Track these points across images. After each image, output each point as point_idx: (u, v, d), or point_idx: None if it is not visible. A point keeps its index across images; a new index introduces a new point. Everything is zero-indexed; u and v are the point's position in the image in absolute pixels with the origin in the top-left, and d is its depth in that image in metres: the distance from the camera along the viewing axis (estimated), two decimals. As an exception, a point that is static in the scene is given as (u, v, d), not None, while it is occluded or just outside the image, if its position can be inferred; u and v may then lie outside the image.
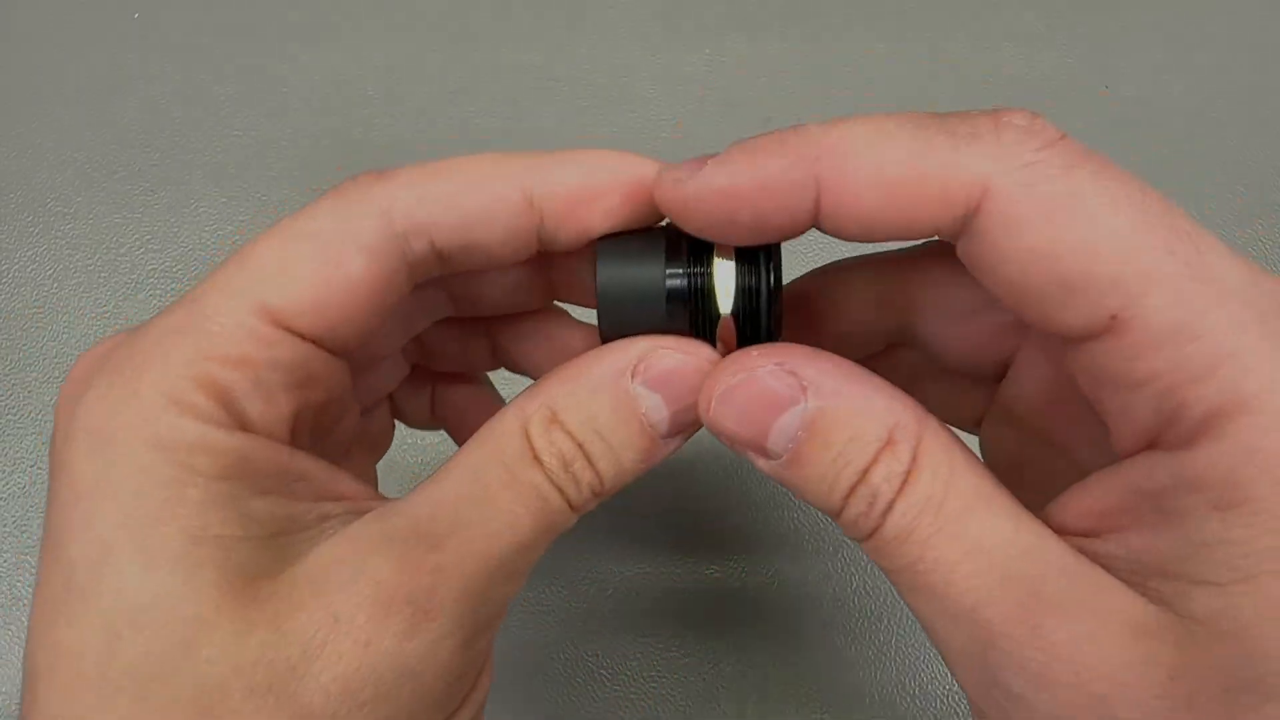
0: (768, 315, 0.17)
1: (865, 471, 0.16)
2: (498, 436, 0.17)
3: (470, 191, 0.17)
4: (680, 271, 0.17)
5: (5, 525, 0.35)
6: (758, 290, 0.17)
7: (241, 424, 0.16)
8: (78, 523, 0.14)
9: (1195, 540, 0.14)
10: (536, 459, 0.16)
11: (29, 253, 0.39)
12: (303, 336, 0.16)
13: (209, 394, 0.15)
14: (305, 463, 0.17)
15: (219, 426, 0.15)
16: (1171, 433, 0.14)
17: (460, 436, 0.25)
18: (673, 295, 0.17)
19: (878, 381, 0.17)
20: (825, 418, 0.16)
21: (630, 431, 0.17)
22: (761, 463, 0.17)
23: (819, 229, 0.16)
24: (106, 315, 0.37)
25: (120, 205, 0.39)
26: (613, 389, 0.17)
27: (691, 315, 0.18)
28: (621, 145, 0.39)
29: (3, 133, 0.41)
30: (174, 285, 0.38)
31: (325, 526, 0.16)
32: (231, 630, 0.14)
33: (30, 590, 0.34)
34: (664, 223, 0.18)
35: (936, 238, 0.16)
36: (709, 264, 0.17)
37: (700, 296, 0.17)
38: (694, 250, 0.18)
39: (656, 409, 0.17)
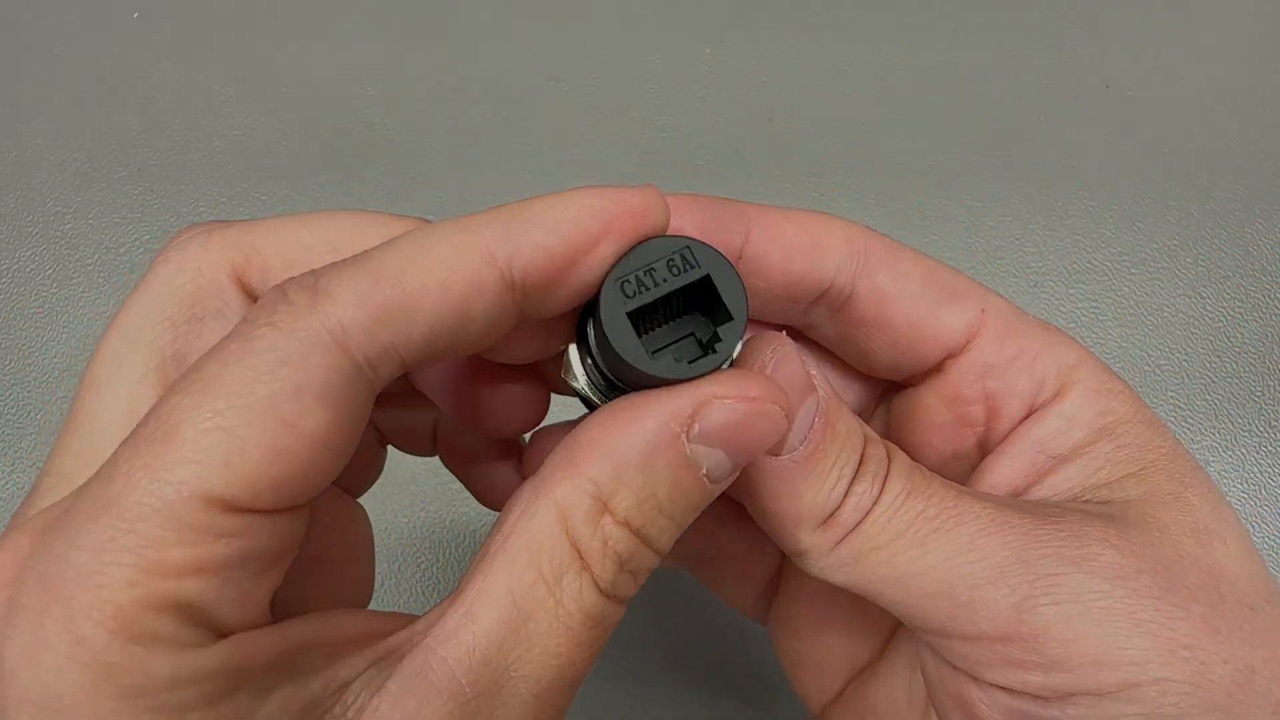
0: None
1: (863, 458, 0.17)
2: (535, 544, 0.14)
3: (436, 292, 0.13)
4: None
5: (5, 525, 0.35)
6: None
7: (218, 632, 0.13)
8: None
9: (1091, 464, 0.18)
10: (586, 566, 0.14)
11: (29, 253, 0.39)
12: (263, 512, 0.13)
13: (170, 615, 0.12)
14: (299, 630, 0.14)
15: (193, 648, 0.12)
16: (1038, 402, 0.20)
17: (453, 463, 0.22)
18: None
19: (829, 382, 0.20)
20: (833, 407, 0.17)
21: (693, 498, 0.15)
22: (772, 464, 0.16)
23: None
24: (106, 315, 0.37)
25: (120, 205, 0.39)
26: (669, 457, 0.14)
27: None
28: (621, 146, 0.39)
29: (3, 133, 0.41)
30: (174, 285, 0.38)
31: (347, 697, 0.13)
32: None
33: (30, 590, 0.34)
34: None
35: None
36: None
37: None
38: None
39: (720, 465, 0.15)
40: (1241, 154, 0.40)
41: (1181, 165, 0.39)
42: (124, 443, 0.12)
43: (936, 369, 0.20)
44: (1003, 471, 0.19)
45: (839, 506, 0.17)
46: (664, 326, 0.15)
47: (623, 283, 0.14)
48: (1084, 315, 0.38)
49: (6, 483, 0.35)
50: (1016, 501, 0.17)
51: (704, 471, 0.14)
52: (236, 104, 0.41)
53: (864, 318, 0.19)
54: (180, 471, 0.12)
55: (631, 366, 0.14)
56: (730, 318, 0.15)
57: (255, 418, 0.12)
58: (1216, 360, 0.37)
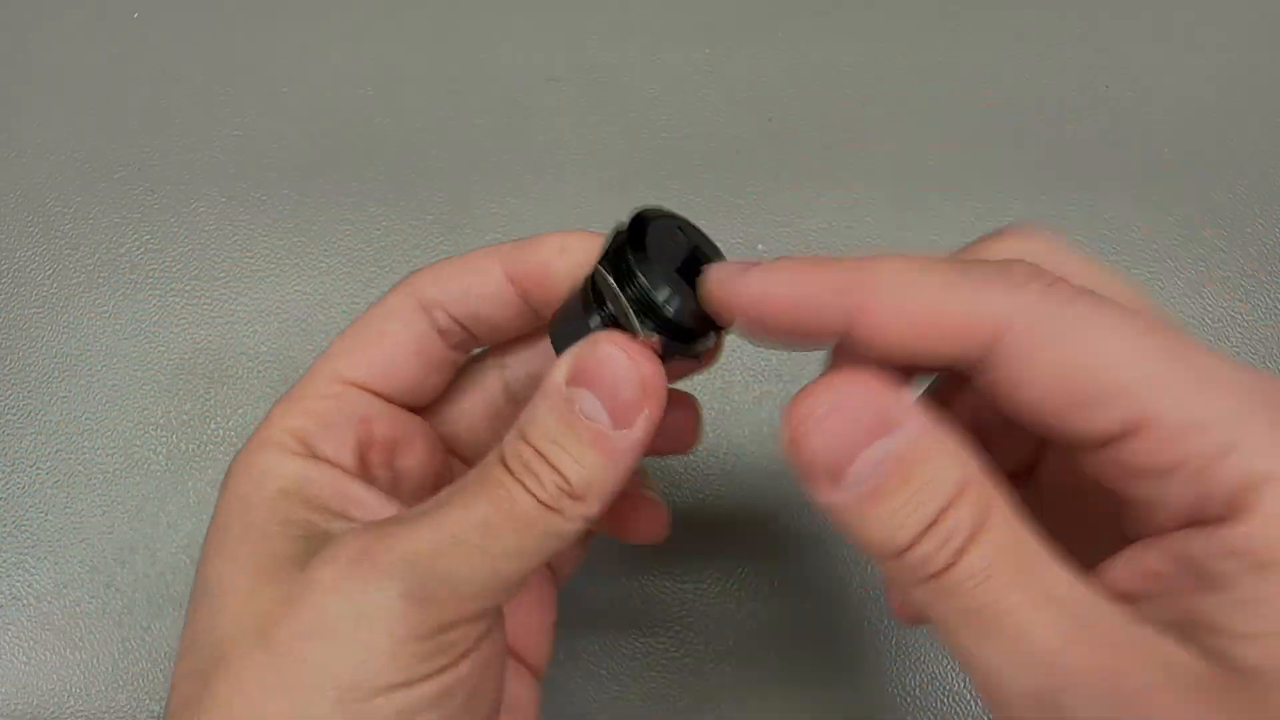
0: (669, 318, 0.19)
1: (941, 512, 0.17)
2: (485, 464, 0.19)
3: (464, 274, 0.22)
4: (599, 316, 0.20)
5: (5, 525, 0.35)
6: (647, 302, 0.19)
7: (314, 454, 0.21)
8: (210, 548, 0.20)
9: (1238, 599, 0.15)
10: (506, 466, 0.19)
11: (29, 253, 0.39)
12: (365, 388, 0.22)
13: (291, 434, 0.21)
14: (360, 490, 0.21)
15: (291, 455, 0.21)
16: (1203, 511, 0.16)
17: None
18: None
19: (955, 426, 0.18)
20: (914, 453, 0.17)
21: (577, 434, 0.18)
22: (827, 494, 0.17)
23: (847, 345, 0.18)
24: (106, 315, 0.37)
25: (120, 205, 0.39)
26: (554, 397, 0.19)
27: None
28: (621, 146, 0.39)
29: (3, 133, 0.41)
30: (174, 285, 0.38)
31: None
32: (256, 593, 0.19)
33: (27, 589, 0.34)
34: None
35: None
36: (606, 300, 0.20)
37: (621, 327, 0.19)
38: (595, 292, 0.20)
39: (593, 406, 0.18)
40: (1241, 154, 0.40)
41: (1181, 165, 0.39)
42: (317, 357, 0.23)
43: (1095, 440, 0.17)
44: (1124, 570, 0.17)
45: (909, 548, 0.17)
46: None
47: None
48: (1084, 315, 0.38)
49: (7, 483, 0.35)
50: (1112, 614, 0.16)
51: (579, 408, 0.18)
52: (237, 104, 0.41)
53: (1014, 396, 0.17)
54: (326, 362, 0.23)
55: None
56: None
57: (363, 329, 0.23)
58: (1216, 360, 0.37)
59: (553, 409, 0.18)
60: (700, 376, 0.37)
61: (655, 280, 0.19)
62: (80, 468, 0.35)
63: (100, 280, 0.38)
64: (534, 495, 0.18)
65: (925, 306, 0.17)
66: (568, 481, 0.18)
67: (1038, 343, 0.16)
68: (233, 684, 0.18)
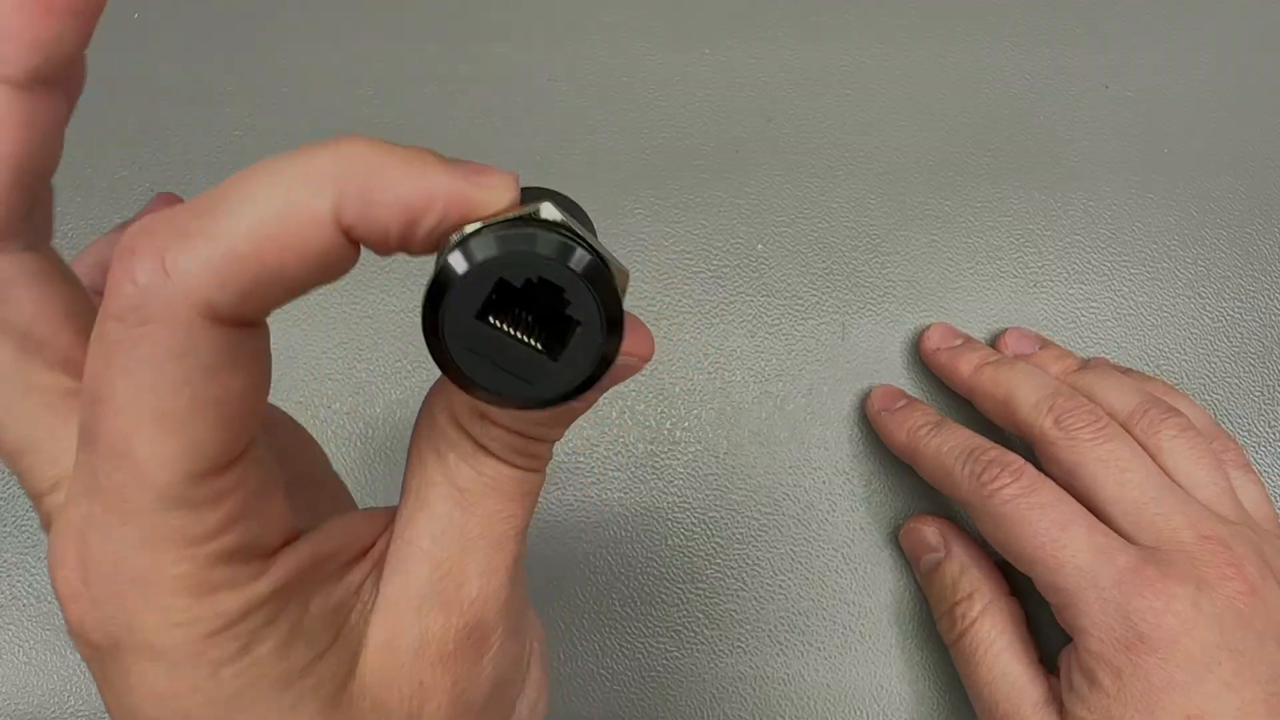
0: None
1: (952, 606, 0.32)
2: (446, 441, 0.17)
3: (292, 263, 0.13)
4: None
5: (5, 525, 0.35)
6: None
7: (264, 557, 0.15)
8: (172, 716, 0.15)
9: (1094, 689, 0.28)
10: (494, 455, 0.17)
11: (29, 253, 0.39)
12: (240, 457, 0.15)
13: (227, 564, 0.14)
14: (322, 543, 0.16)
15: (251, 581, 0.15)
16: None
17: None
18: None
19: (978, 551, 0.33)
20: (939, 568, 0.33)
21: (558, 412, 0.17)
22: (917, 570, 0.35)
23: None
24: (106, 315, 0.37)
25: (121, 205, 0.39)
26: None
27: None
28: (621, 146, 0.39)
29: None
30: (174, 285, 0.38)
31: (363, 594, 0.17)
32: None
33: (27, 589, 0.34)
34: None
35: None
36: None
37: None
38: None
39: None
40: (1241, 154, 0.40)
41: (1181, 165, 0.39)
42: (90, 462, 0.14)
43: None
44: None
45: (939, 619, 0.33)
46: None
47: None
48: (1084, 315, 0.38)
49: (7, 483, 0.35)
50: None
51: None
52: (237, 104, 0.41)
53: None
54: (158, 475, 0.13)
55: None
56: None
57: (188, 412, 0.13)
58: (1216, 360, 0.37)
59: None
60: (701, 376, 0.37)
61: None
62: (80, 468, 0.35)
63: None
64: (537, 470, 0.18)
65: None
66: (549, 444, 0.18)
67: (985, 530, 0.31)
68: None
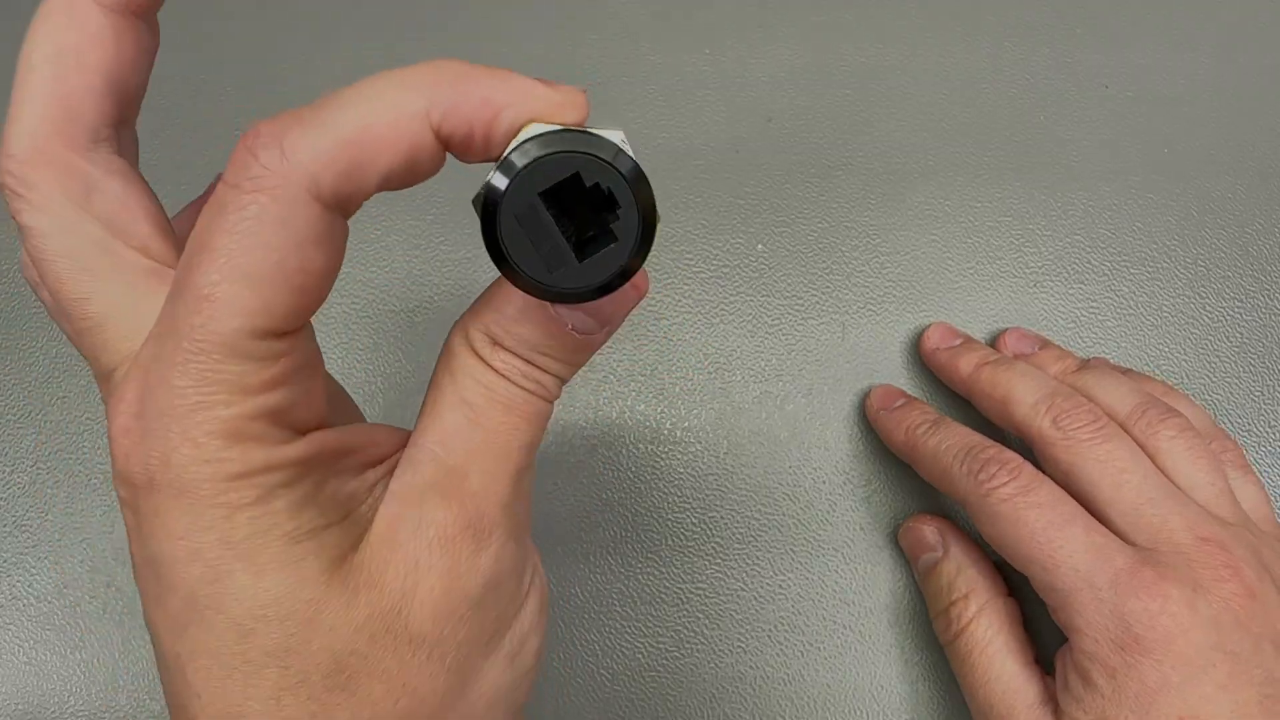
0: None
1: (949, 606, 0.32)
2: (459, 364, 0.19)
3: (387, 151, 0.16)
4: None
5: (5, 525, 0.35)
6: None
7: (296, 429, 0.17)
8: (185, 554, 0.16)
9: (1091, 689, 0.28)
10: (502, 375, 0.18)
11: (29, 253, 0.39)
12: (297, 330, 0.17)
13: (261, 421, 0.16)
14: (347, 437, 0.18)
15: (280, 444, 0.17)
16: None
17: None
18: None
19: (976, 551, 0.33)
20: (937, 568, 0.33)
21: (563, 344, 0.19)
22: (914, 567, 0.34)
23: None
24: (106, 315, 0.37)
25: (120, 205, 0.39)
26: (538, 315, 0.18)
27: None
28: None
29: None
30: (174, 285, 0.38)
31: (375, 491, 0.19)
32: (342, 600, 0.17)
33: (28, 589, 0.34)
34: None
35: None
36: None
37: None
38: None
39: (583, 322, 0.19)
40: (1241, 154, 0.40)
41: (1181, 165, 0.39)
42: (174, 306, 0.16)
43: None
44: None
45: (935, 618, 0.33)
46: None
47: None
48: (1084, 315, 0.38)
49: (7, 483, 0.35)
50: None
51: (570, 327, 0.18)
52: (238, 105, 0.41)
53: None
54: (231, 323, 0.15)
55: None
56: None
57: (272, 273, 0.15)
58: (1216, 360, 0.37)
59: (540, 328, 0.18)
60: (701, 376, 0.37)
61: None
62: (80, 468, 0.35)
63: (100, 280, 0.38)
64: (544, 397, 0.19)
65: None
66: (562, 377, 0.19)
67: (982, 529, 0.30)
68: None
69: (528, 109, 0.16)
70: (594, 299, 0.16)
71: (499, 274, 0.16)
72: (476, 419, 0.18)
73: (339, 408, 0.22)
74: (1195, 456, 0.30)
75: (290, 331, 0.16)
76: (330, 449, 0.18)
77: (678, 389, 0.37)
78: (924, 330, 0.36)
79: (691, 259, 0.38)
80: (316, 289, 0.16)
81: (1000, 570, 0.33)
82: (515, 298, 0.18)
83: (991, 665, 0.30)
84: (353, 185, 0.16)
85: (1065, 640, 0.29)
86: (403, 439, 0.19)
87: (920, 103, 0.40)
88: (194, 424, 0.16)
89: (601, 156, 0.15)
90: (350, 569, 0.17)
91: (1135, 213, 0.39)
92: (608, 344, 0.34)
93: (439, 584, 0.18)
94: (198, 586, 0.16)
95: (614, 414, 0.36)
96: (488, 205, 0.15)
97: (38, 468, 0.35)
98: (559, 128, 0.16)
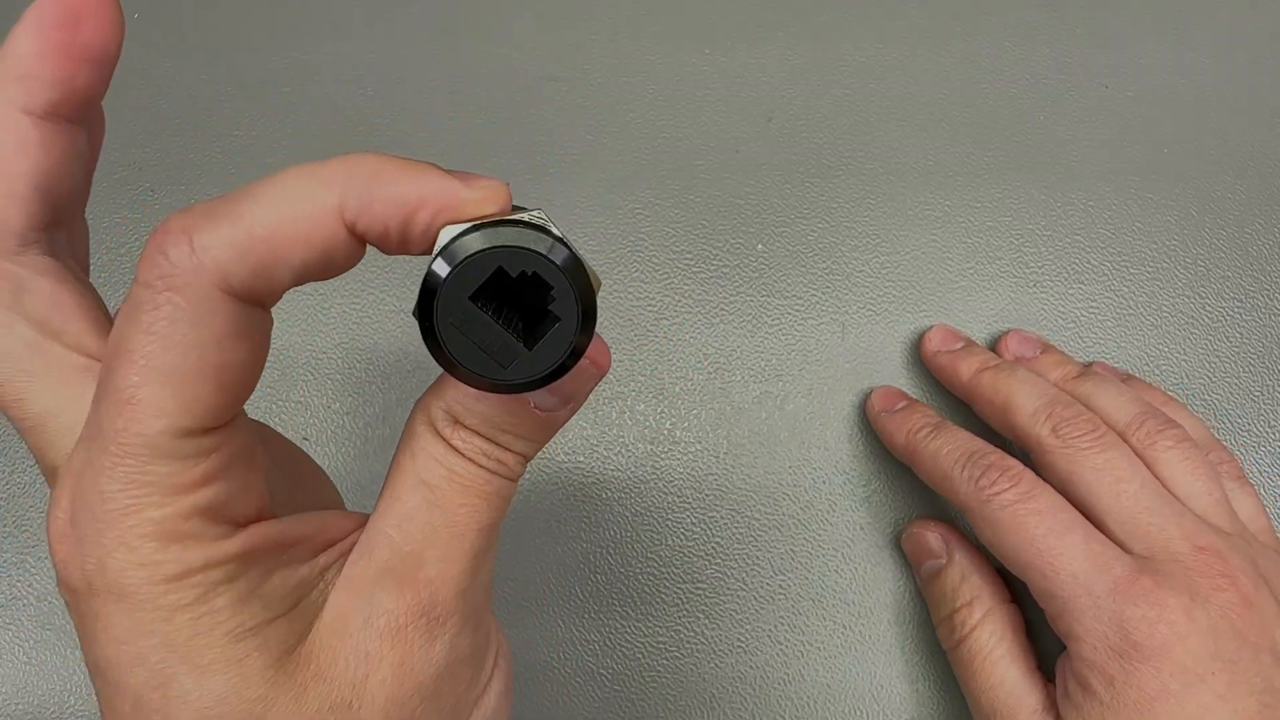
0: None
1: (952, 613, 0.32)
2: (420, 443, 0.18)
3: (300, 245, 0.16)
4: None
5: (5, 525, 0.35)
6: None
7: (234, 523, 0.17)
8: (128, 659, 0.16)
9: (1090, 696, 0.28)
10: (462, 454, 0.18)
11: (29, 253, 0.39)
12: (227, 424, 0.16)
13: (195, 519, 0.16)
14: (295, 526, 0.18)
15: (217, 540, 0.16)
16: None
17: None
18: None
19: (979, 557, 0.33)
20: (940, 574, 0.33)
21: (526, 422, 0.18)
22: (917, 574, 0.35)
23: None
24: (106, 315, 0.37)
25: (120, 205, 0.39)
26: (496, 396, 0.18)
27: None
28: (621, 146, 0.39)
29: (3, 133, 0.41)
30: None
31: (328, 576, 0.18)
32: (290, 695, 0.17)
33: (28, 588, 0.34)
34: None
35: None
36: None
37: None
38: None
39: (544, 399, 0.18)
40: (1241, 154, 0.40)
41: (1181, 165, 0.39)
42: (98, 411, 0.16)
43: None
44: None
45: (938, 625, 0.33)
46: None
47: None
48: (1083, 315, 0.38)
49: (7, 483, 0.35)
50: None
51: (533, 406, 0.18)
52: (237, 104, 0.41)
53: None
54: (154, 425, 0.15)
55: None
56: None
57: (192, 371, 0.15)
58: (1215, 360, 0.37)
59: (501, 403, 0.18)
60: (701, 376, 0.37)
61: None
62: (80, 468, 0.35)
63: (101, 280, 0.38)
64: (507, 477, 0.19)
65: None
66: (525, 456, 0.19)
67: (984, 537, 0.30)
68: None
69: (445, 211, 0.16)
70: (551, 382, 0.16)
71: None
72: (435, 500, 0.18)
73: (304, 484, 0.22)
74: (1193, 466, 0.30)
75: (218, 427, 0.16)
76: (272, 541, 0.17)
77: (678, 389, 0.37)
78: (925, 332, 0.36)
79: (691, 259, 0.38)
80: (240, 383, 0.16)
81: (1003, 577, 0.33)
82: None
83: (994, 672, 0.30)
84: (265, 280, 0.15)
85: (1066, 648, 0.29)
86: (359, 521, 0.19)
87: (920, 103, 0.40)
88: (127, 528, 0.15)
89: (527, 248, 0.15)
90: (299, 661, 0.17)
91: (1135, 213, 0.39)
92: (607, 344, 0.34)
93: (390, 675, 0.17)
94: (143, 691, 0.16)
95: (614, 414, 0.36)
96: (424, 319, 0.15)
97: (38, 468, 0.35)
98: (477, 222, 0.16)
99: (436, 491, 0.18)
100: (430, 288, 0.15)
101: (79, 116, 0.18)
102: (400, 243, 0.16)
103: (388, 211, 0.16)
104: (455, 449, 0.18)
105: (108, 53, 0.17)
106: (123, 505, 0.15)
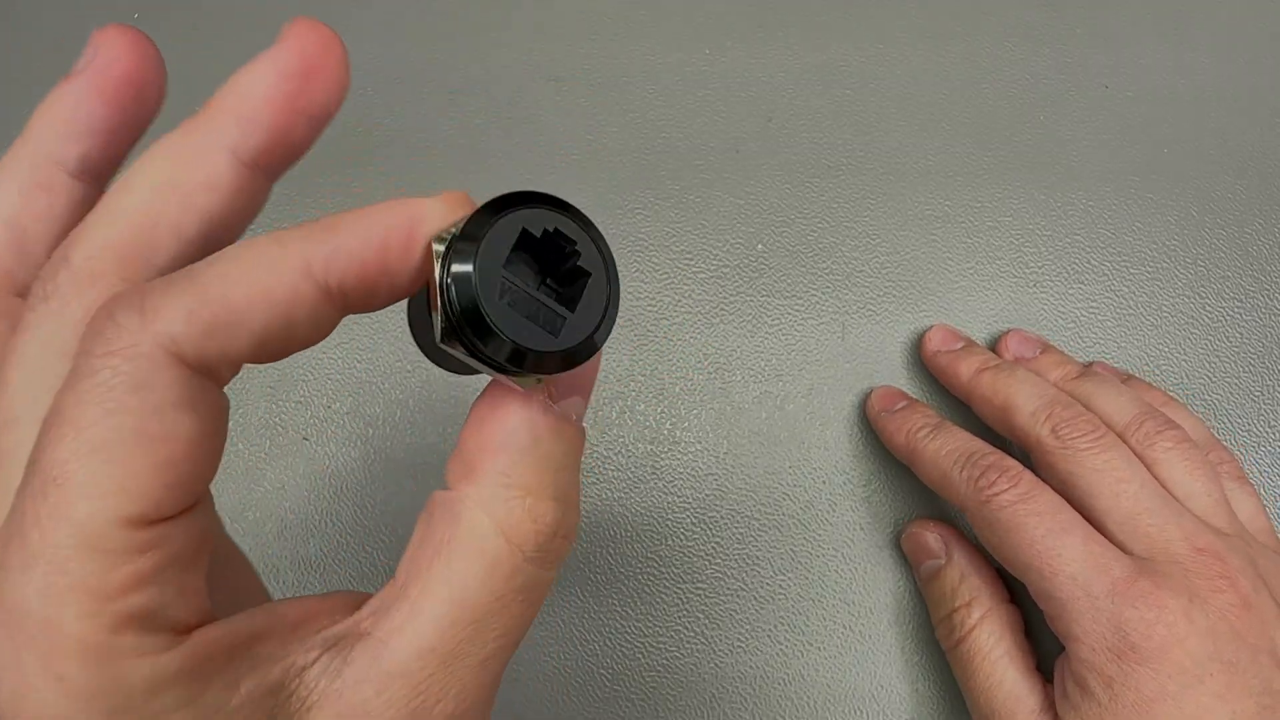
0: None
1: (951, 613, 0.32)
2: (467, 545, 0.15)
3: (259, 306, 0.14)
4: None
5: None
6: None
7: (175, 631, 0.14)
8: None
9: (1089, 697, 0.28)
10: (518, 547, 0.16)
11: (29, 253, 0.39)
12: (169, 517, 0.14)
13: (129, 629, 0.13)
14: (248, 621, 0.15)
15: (159, 653, 0.13)
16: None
17: None
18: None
19: (979, 558, 0.33)
20: (940, 574, 0.33)
21: (576, 445, 0.17)
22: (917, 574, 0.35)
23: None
24: (106, 315, 0.37)
25: (120, 205, 0.39)
26: (549, 422, 0.16)
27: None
28: (621, 146, 0.39)
29: (4, 133, 0.41)
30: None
31: (308, 682, 0.15)
32: None
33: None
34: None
35: None
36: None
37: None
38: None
39: (578, 406, 0.17)
40: (1241, 154, 0.40)
41: (1181, 165, 0.39)
42: (20, 496, 0.13)
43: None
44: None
45: (938, 624, 0.33)
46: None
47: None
48: (1083, 315, 0.38)
49: (7, 482, 0.35)
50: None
51: (576, 417, 0.17)
52: (237, 104, 0.41)
53: None
54: (83, 509, 0.13)
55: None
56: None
57: (130, 444, 0.13)
58: (1215, 360, 0.37)
59: (555, 431, 0.16)
60: (701, 376, 0.37)
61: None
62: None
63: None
64: (539, 566, 0.16)
65: None
66: (576, 512, 0.17)
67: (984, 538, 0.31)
68: None
69: (418, 223, 0.15)
70: (605, 336, 0.15)
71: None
72: (474, 622, 0.15)
73: (230, 566, 0.19)
74: (1192, 467, 0.30)
75: (162, 520, 0.13)
76: (225, 645, 0.14)
77: (678, 389, 0.37)
78: (925, 332, 0.36)
79: (691, 259, 0.38)
80: (187, 465, 0.14)
81: (1002, 577, 0.33)
82: (519, 418, 0.16)
83: (994, 672, 0.30)
84: (218, 346, 0.14)
85: (1064, 648, 0.29)
86: (332, 605, 0.16)
87: (920, 103, 0.40)
88: (49, 650, 0.13)
89: (542, 194, 0.15)
90: None
91: (1135, 213, 0.39)
92: (608, 344, 0.34)
93: None
94: None
95: (614, 414, 0.36)
96: (470, 320, 0.14)
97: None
98: (466, 216, 0.15)
99: (472, 610, 0.15)
100: (464, 280, 0.14)
101: (277, 172, 0.17)
102: (380, 272, 0.15)
103: (359, 247, 0.14)
104: (516, 546, 0.15)
105: (328, 112, 0.16)
106: (42, 621, 0.13)
